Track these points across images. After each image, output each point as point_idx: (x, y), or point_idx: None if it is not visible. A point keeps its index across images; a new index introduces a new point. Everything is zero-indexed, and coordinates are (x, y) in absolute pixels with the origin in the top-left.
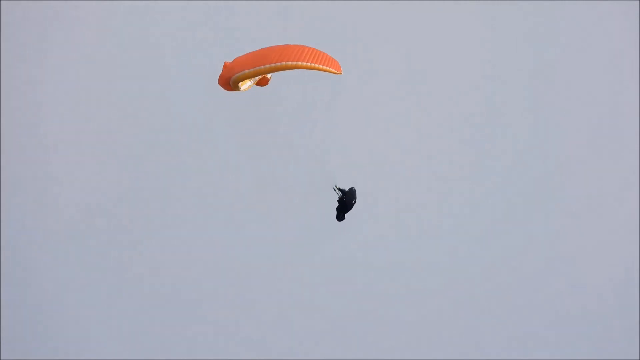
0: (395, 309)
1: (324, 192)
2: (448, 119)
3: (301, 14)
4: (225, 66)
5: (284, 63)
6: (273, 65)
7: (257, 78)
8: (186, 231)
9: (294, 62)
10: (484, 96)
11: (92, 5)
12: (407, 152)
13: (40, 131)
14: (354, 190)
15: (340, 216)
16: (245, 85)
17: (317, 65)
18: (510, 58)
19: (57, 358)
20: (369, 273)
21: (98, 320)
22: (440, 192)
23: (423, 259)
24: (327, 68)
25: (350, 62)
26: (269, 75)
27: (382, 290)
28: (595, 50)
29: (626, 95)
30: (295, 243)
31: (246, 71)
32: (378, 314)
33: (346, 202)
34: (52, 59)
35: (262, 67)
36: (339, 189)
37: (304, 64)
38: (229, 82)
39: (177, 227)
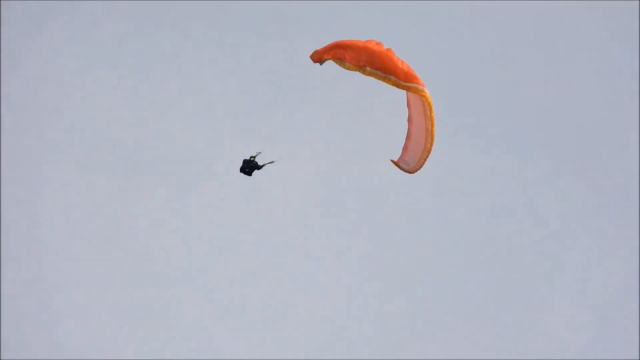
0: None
1: None
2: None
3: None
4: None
5: (391, 78)
6: (380, 74)
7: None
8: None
9: (402, 83)
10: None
11: (92, 5)
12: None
13: (40, 134)
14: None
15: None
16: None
17: (414, 86)
18: (509, 61)
19: (56, 358)
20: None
21: (98, 319)
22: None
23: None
24: (419, 89)
25: None
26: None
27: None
28: (594, 50)
29: (626, 97)
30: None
31: (350, 65)
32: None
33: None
34: (52, 59)
35: (370, 69)
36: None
37: (405, 84)
38: (321, 58)
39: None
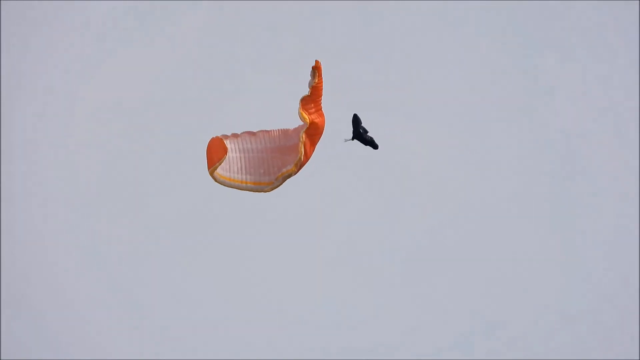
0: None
1: None
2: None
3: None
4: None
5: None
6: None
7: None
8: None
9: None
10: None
11: (91, 5)
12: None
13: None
14: (356, 117)
15: (373, 144)
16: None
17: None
18: (506, 61)
19: (57, 358)
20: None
21: (98, 319)
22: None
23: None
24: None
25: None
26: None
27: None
28: (594, 50)
29: (626, 98)
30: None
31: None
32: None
33: (360, 135)
34: (51, 58)
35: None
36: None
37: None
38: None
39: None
